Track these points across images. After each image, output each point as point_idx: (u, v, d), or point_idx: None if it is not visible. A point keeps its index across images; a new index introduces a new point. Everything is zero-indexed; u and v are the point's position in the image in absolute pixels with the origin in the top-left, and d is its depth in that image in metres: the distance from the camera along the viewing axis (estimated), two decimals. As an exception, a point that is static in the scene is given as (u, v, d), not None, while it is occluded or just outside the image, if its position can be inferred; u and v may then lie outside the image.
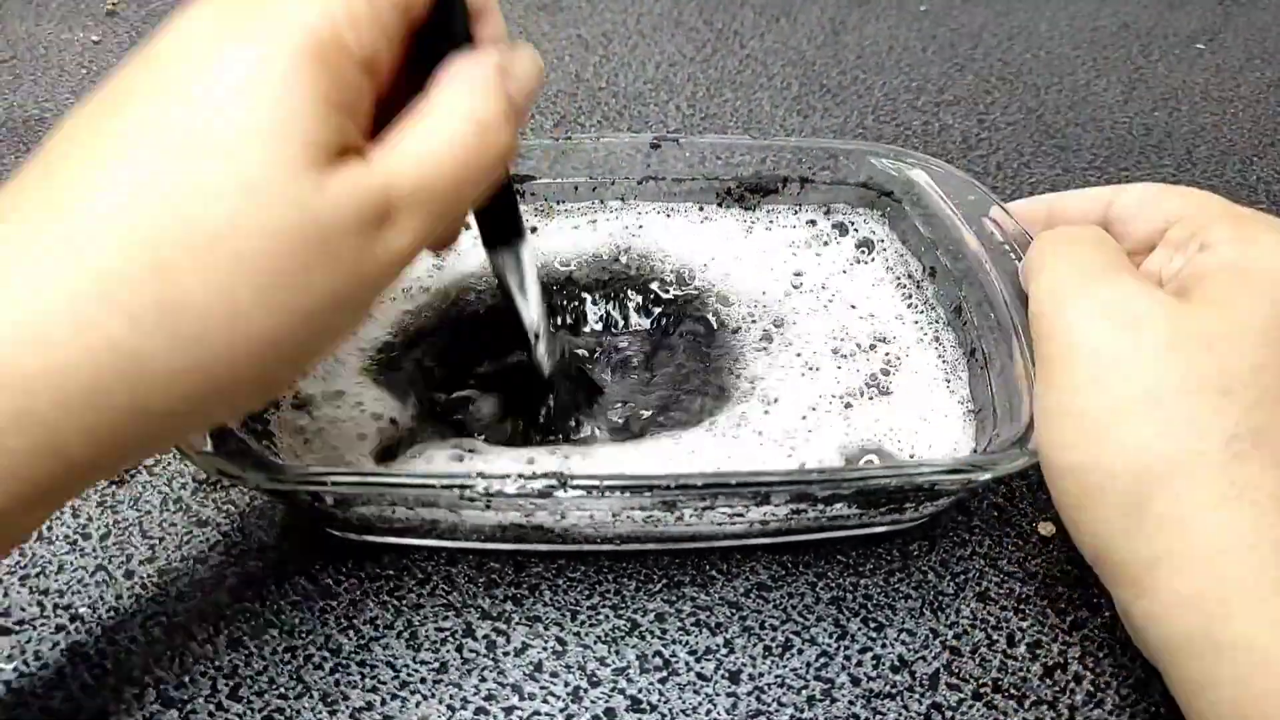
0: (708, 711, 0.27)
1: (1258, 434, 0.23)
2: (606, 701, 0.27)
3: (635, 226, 0.40)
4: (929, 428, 0.32)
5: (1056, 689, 0.28)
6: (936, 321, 0.36)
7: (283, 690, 0.27)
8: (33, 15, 0.63)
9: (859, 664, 0.28)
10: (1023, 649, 0.29)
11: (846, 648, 0.28)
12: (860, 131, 0.54)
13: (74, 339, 0.18)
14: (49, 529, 0.31)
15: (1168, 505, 0.23)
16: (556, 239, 0.40)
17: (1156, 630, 0.23)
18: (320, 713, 0.26)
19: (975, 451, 0.31)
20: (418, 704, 0.27)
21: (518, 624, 0.29)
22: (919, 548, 0.31)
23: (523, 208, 0.40)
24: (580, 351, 0.35)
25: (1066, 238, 0.28)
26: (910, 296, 0.37)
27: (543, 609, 0.29)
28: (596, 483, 0.26)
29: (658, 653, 0.28)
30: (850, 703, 0.27)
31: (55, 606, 0.28)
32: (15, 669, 0.27)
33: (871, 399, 0.33)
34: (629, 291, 0.38)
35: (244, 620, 0.28)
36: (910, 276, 0.38)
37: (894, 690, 0.27)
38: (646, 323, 0.37)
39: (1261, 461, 0.22)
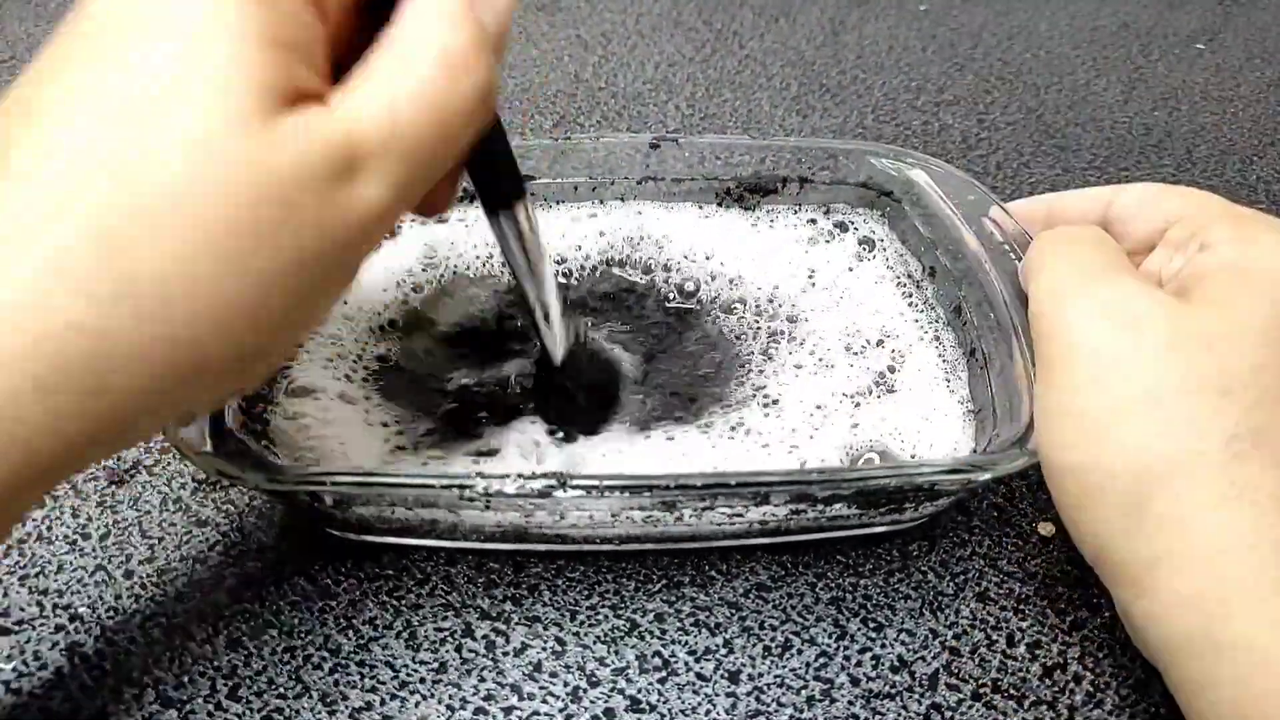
0: (707, 712, 0.27)
1: (1258, 434, 0.23)
2: (606, 702, 0.27)
3: (635, 227, 0.40)
4: (929, 427, 0.32)
5: (1056, 689, 0.28)
6: (936, 321, 0.36)
7: (282, 690, 0.27)
8: (32, 15, 0.63)
9: (858, 664, 0.28)
10: (1022, 649, 0.29)
11: (846, 648, 0.28)
12: (860, 131, 0.54)
13: (35, 322, 0.17)
14: (49, 529, 0.31)
15: (1168, 505, 0.23)
16: (556, 239, 0.40)
17: (1156, 630, 0.23)
18: (319, 713, 0.26)
19: (975, 451, 0.31)
20: (417, 704, 0.27)
21: (517, 624, 0.29)
22: (919, 548, 0.31)
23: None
24: (595, 335, 0.33)
25: (1066, 238, 0.28)
26: (910, 296, 0.37)
27: (542, 609, 0.29)
28: (596, 483, 0.25)
29: (657, 653, 0.28)
30: (850, 703, 0.27)
31: (55, 606, 0.28)
32: (15, 669, 0.27)
33: (878, 398, 0.33)
34: (629, 291, 0.38)
35: (243, 620, 0.28)
36: (910, 276, 0.38)
37: (893, 690, 0.27)
38: (646, 323, 0.37)
39: (1261, 461, 0.22)
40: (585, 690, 0.27)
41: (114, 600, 0.29)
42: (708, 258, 0.39)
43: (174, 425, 0.26)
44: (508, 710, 0.27)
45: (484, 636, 0.28)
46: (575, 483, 0.25)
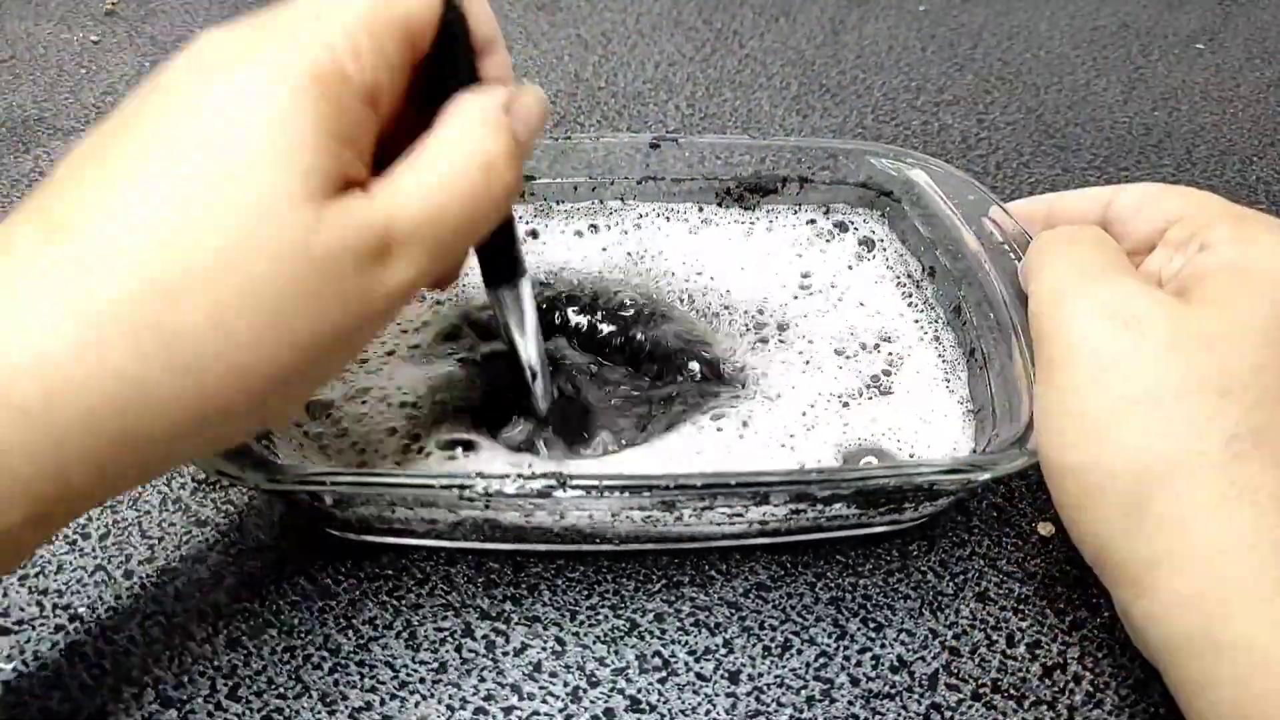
0: (707, 712, 0.27)
1: (1258, 434, 0.23)
2: (606, 701, 0.27)
3: (634, 227, 0.40)
4: (929, 428, 0.32)
5: (1056, 689, 0.28)
6: (936, 321, 0.36)
7: (281, 690, 0.27)
8: (32, 15, 0.63)
9: (858, 664, 0.28)
10: (1022, 649, 0.29)
11: (846, 648, 0.28)
12: (860, 131, 0.54)
13: (78, 364, 0.18)
14: (48, 529, 0.31)
15: (1168, 505, 0.23)
16: (555, 239, 0.40)
17: (1156, 630, 0.23)
18: (319, 713, 0.26)
19: (975, 451, 0.31)
20: (417, 704, 0.27)
21: (517, 624, 0.29)
22: (918, 548, 0.31)
23: (523, 208, 0.40)
24: (574, 380, 0.34)
25: (1066, 237, 0.28)
26: (910, 296, 0.37)
27: (542, 609, 0.29)
28: (595, 483, 0.26)
29: (657, 653, 0.28)
30: (849, 703, 0.27)
31: (54, 606, 0.28)
32: (14, 669, 0.27)
33: (871, 399, 0.33)
34: (629, 292, 0.38)
35: (243, 620, 0.28)
36: (910, 276, 0.38)
37: (893, 690, 0.27)
38: (646, 324, 0.37)
39: (1261, 461, 0.22)
40: (585, 690, 0.27)
41: (114, 600, 0.29)
42: (708, 257, 0.39)
43: None
44: (508, 710, 0.27)
45: (484, 636, 0.28)
46: (575, 483, 0.25)
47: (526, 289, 0.29)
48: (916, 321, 0.36)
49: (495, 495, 0.25)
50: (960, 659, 0.28)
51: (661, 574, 0.30)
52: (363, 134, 0.21)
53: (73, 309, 0.18)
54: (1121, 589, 0.24)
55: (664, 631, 0.29)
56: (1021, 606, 0.30)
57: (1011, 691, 0.27)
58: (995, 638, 0.29)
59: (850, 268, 0.39)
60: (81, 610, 0.28)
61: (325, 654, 0.28)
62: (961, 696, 0.27)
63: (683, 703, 0.27)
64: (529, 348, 0.30)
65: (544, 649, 0.28)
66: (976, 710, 0.27)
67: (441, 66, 0.23)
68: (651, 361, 0.35)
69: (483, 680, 0.27)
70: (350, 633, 0.28)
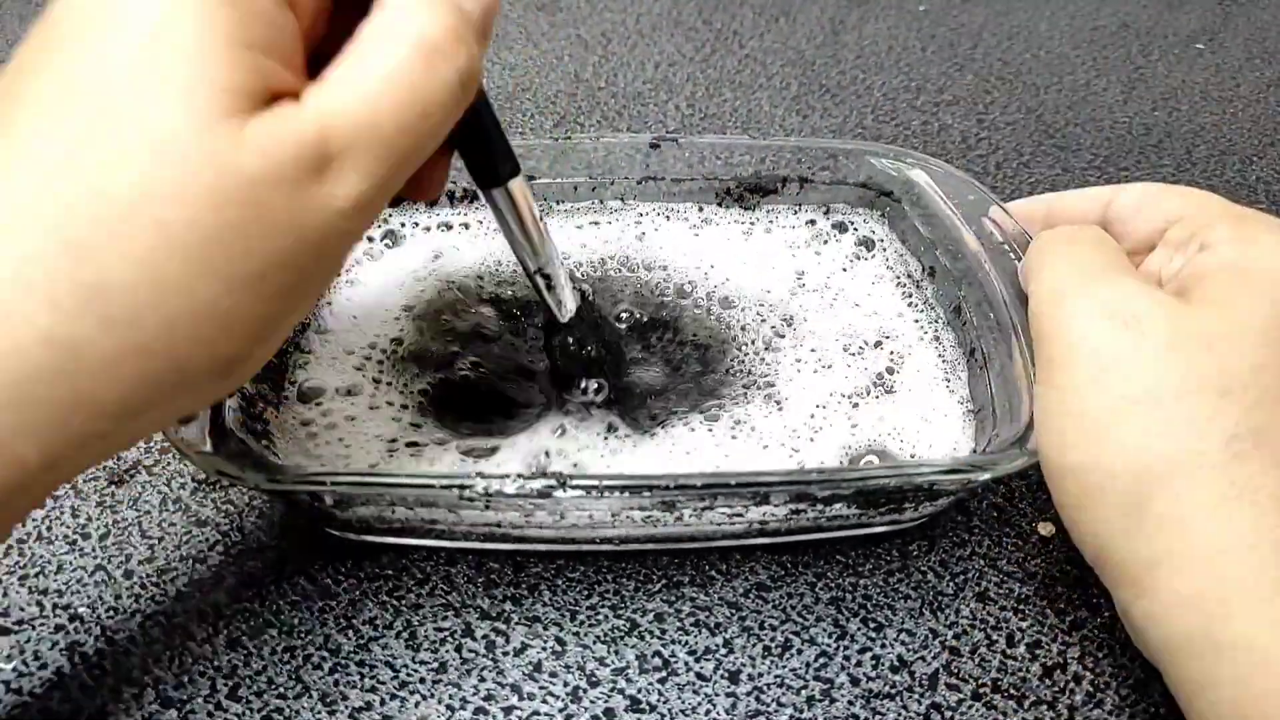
0: (707, 712, 0.27)
1: (1258, 434, 0.23)
2: (606, 701, 0.27)
3: (634, 227, 0.40)
4: (929, 427, 0.32)
5: (1056, 689, 0.28)
6: (936, 321, 0.36)
7: (282, 690, 0.27)
8: (32, 15, 0.63)
9: (858, 664, 0.28)
10: (1022, 649, 0.29)
11: (846, 648, 0.28)
12: (860, 131, 0.54)
13: (2, 335, 0.17)
14: (49, 529, 0.31)
15: (1168, 505, 0.23)
16: (555, 239, 0.39)
17: (1156, 630, 0.23)
18: (319, 713, 0.26)
19: (975, 451, 0.31)
20: (417, 704, 0.27)
21: (517, 624, 0.29)
22: (918, 548, 0.31)
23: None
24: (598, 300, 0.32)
25: (1066, 237, 0.28)
26: (910, 296, 0.37)
27: (542, 609, 0.29)
28: (595, 483, 0.25)
29: (657, 653, 0.28)
30: (850, 703, 0.27)
31: (54, 606, 0.28)
32: (15, 669, 0.27)
33: (878, 398, 0.33)
34: (630, 292, 0.38)
35: (243, 620, 0.28)
36: (910, 276, 0.38)
37: (893, 690, 0.27)
38: (646, 324, 0.37)
39: (1261, 461, 0.22)
40: (585, 690, 0.27)
41: (114, 600, 0.29)
42: (709, 257, 0.39)
43: (173, 424, 0.26)
44: (508, 710, 0.27)
45: (484, 636, 0.28)
46: (575, 483, 0.25)
47: (520, 188, 0.26)
48: (916, 321, 0.36)
49: (495, 495, 0.25)
50: (960, 659, 0.28)
51: (661, 574, 0.30)
52: (284, 37, 0.19)
53: None
54: (1122, 589, 0.24)
55: (664, 631, 0.29)
56: (1022, 606, 0.30)
57: (1012, 691, 0.27)
58: (995, 638, 0.29)
59: (849, 268, 0.39)
60: (81, 610, 0.28)
61: (325, 654, 0.28)
62: (962, 696, 0.27)
63: (683, 703, 0.27)
64: (536, 252, 0.28)
65: (544, 649, 0.28)
66: (977, 710, 0.27)
67: None
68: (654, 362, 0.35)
69: (483, 680, 0.27)
70: (350, 633, 0.28)
